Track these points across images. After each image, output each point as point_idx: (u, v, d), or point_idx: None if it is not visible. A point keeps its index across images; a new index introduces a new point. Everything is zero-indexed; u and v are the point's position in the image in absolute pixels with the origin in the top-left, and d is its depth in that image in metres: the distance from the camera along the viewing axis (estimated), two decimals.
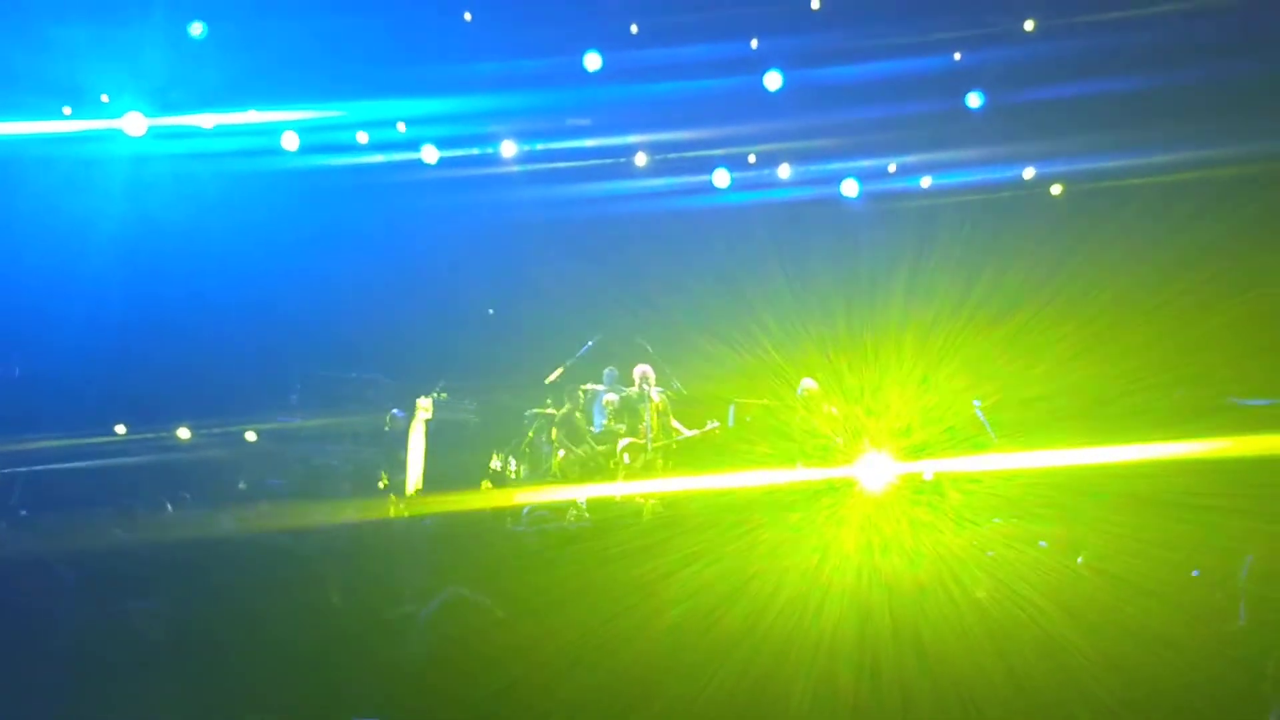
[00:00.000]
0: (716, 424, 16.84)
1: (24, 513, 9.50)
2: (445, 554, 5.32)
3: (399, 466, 17.49)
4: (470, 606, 3.91)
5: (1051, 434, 16.45)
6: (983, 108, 16.81)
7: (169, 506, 10.06)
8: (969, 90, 16.72)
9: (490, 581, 4.93)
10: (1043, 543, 10.27)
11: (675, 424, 16.93)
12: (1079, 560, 8.83)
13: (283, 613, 4.29)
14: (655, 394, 16.92)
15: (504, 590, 4.94)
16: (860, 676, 2.47)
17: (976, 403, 16.29)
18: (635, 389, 17.10)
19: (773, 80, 16.45)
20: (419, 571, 5.15)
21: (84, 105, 16.11)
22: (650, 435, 16.69)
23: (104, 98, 16.16)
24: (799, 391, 15.94)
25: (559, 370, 17.80)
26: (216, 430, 16.79)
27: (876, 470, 14.19)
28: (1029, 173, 17.97)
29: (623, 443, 16.86)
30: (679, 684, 3.19)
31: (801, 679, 2.84)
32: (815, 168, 18.32)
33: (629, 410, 16.90)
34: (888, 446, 15.02)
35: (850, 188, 18.50)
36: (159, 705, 3.54)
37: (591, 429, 17.59)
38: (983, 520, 11.67)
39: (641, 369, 17.00)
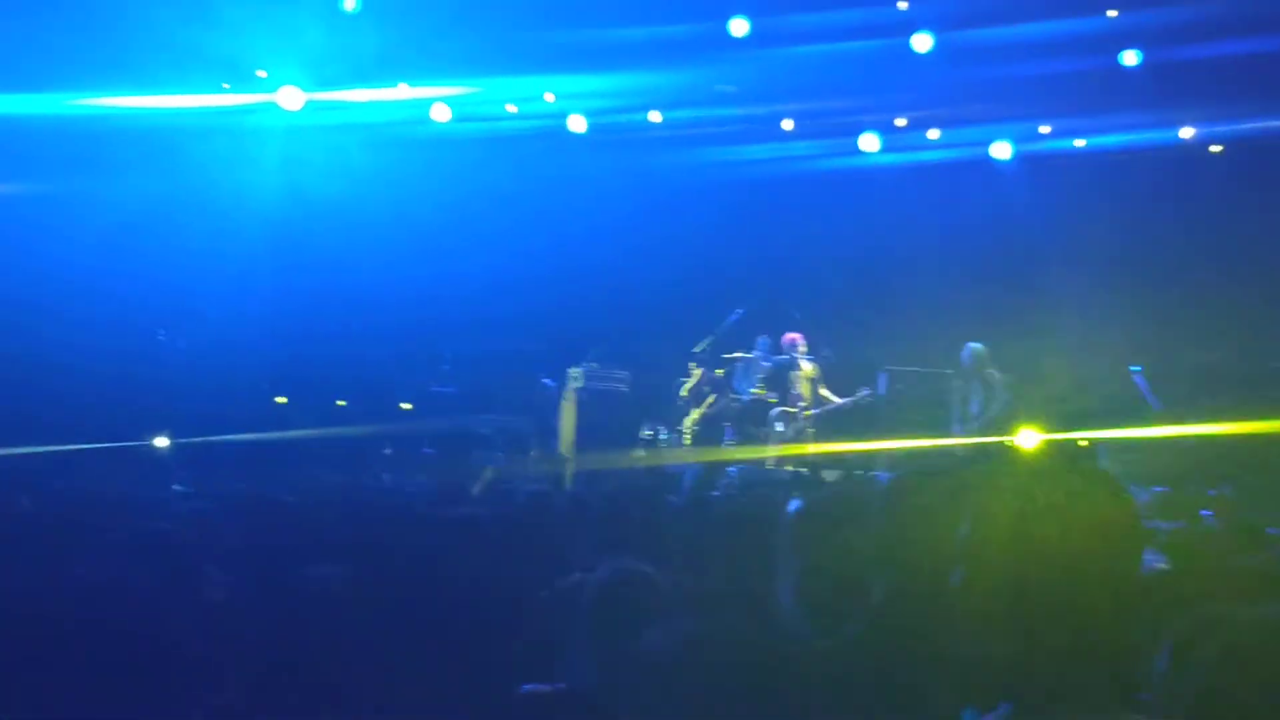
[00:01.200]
0: (868, 391, 16.70)
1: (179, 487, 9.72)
2: (612, 524, 5.31)
3: (550, 435, 17.64)
4: (639, 578, 3.90)
5: (1217, 403, 16.03)
6: (1140, 66, 16.34)
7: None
8: (1125, 49, 16.26)
9: (662, 549, 4.92)
10: (1206, 512, 10.02)
11: (826, 392, 16.79)
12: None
13: (448, 581, 4.32)
14: (806, 361, 16.80)
15: (678, 557, 4.93)
16: (1015, 650, 2.43)
17: (1137, 369, 15.96)
18: (785, 356, 17.00)
19: (922, 42, 16.18)
20: (590, 541, 5.16)
21: (241, 79, 16.43)
22: (802, 403, 16.59)
23: (261, 72, 16.46)
24: (964, 355, 15.63)
25: (708, 340, 17.79)
26: (369, 401, 17.06)
27: (1031, 439, 13.97)
28: (1187, 132, 17.46)
29: (774, 411, 16.78)
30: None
31: (954, 658, 2.79)
32: (966, 130, 17.99)
33: (779, 378, 16.80)
34: (1046, 414, 14.79)
35: (1002, 149, 18.15)
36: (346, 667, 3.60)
37: (739, 397, 17.57)
38: (1143, 488, 11.43)
39: (791, 336, 16.88)
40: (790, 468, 15.79)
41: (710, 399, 17.10)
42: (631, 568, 3.97)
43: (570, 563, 4.90)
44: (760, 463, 16.17)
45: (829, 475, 15.54)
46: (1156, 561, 5.91)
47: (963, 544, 2.76)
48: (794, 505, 3.85)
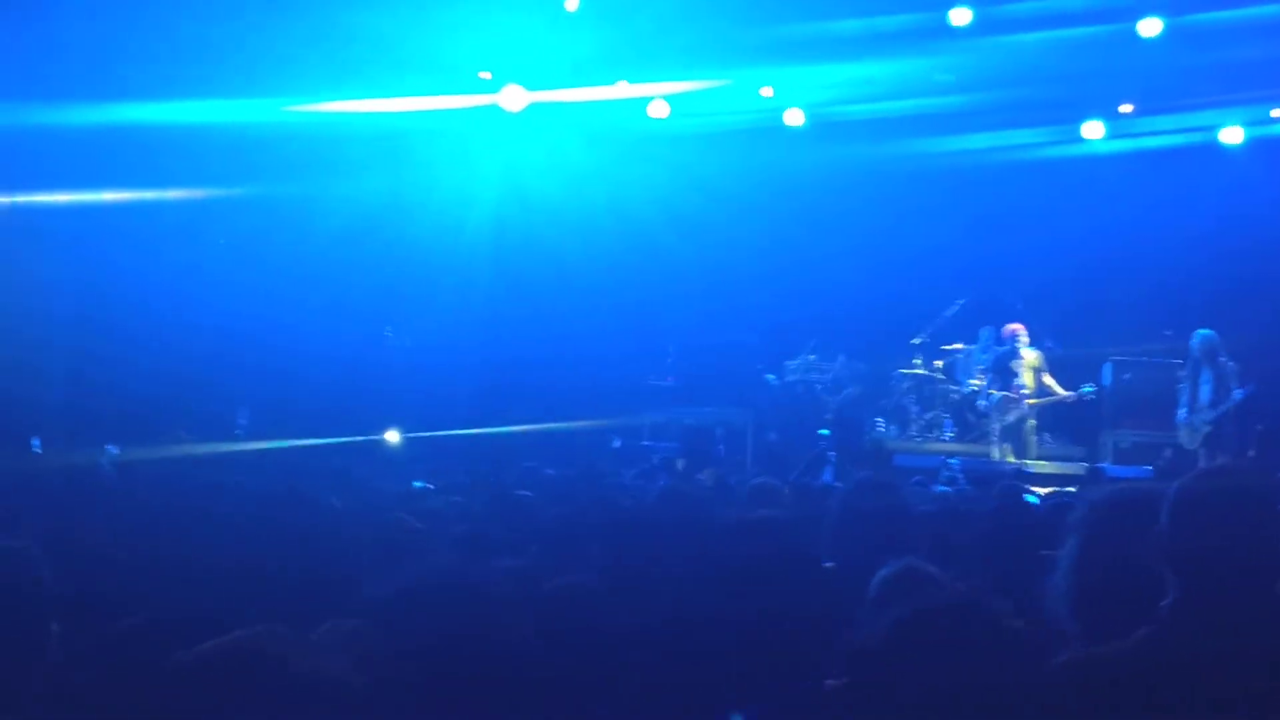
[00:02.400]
0: (1093, 387, 16.35)
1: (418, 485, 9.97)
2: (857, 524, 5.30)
3: (768, 429, 17.71)
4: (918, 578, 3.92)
5: None
6: None
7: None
8: None
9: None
10: None
11: (1050, 381, 16.49)
12: None
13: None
14: (1029, 350, 16.52)
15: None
16: None
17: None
18: (1005, 348, 16.74)
19: (1149, 27, 15.83)
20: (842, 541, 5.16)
21: (465, 81, 16.81)
22: (1025, 392, 16.33)
23: (484, 74, 16.82)
24: (1194, 342, 15.18)
25: (927, 330, 17.70)
26: (591, 396, 17.29)
27: None
28: None
29: (995, 398, 16.53)
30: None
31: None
32: (1193, 116, 17.50)
33: (1001, 369, 16.57)
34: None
35: (1233, 134, 17.62)
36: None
37: (957, 388, 17.43)
38: None
39: (1013, 327, 16.64)
40: (1020, 462, 15.65)
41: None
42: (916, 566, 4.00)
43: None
44: (984, 456, 16.04)
45: (1068, 469, 15.45)
46: None
47: None
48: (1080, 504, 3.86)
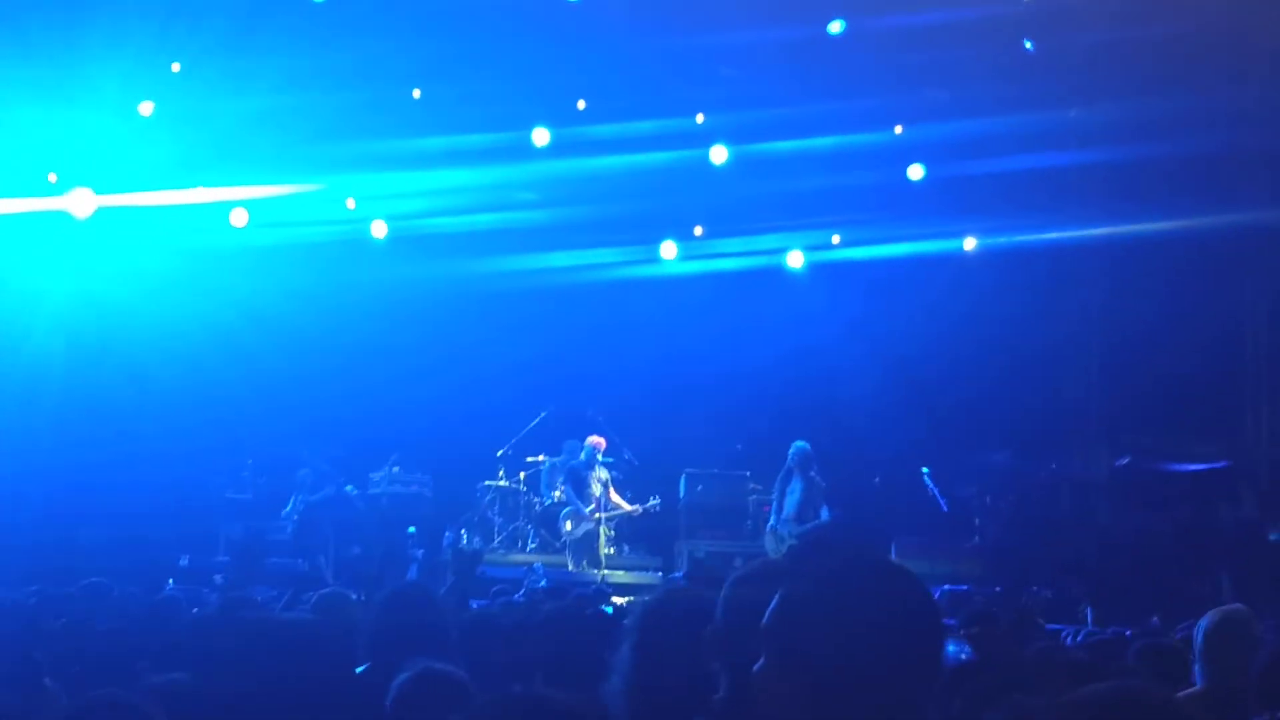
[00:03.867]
0: (657, 501, 16.87)
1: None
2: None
3: (351, 542, 17.41)
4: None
5: (1000, 501, 16.69)
6: (924, 180, 17.13)
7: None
8: (910, 162, 17.02)
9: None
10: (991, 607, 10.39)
11: (616, 497, 16.90)
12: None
13: None
14: (600, 466, 16.90)
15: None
16: None
17: (925, 471, 16.51)
18: (580, 460, 17.05)
19: (718, 154, 16.71)
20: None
21: (32, 184, 16.07)
22: (590, 507, 16.66)
23: (52, 177, 16.13)
24: (791, 451, 15.65)
25: (510, 443, 17.88)
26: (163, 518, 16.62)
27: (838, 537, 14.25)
28: (970, 243, 18.19)
29: (564, 511, 16.83)
30: None
31: None
32: (761, 240, 18.45)
33: (576, 482, 16.87)
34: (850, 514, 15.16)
35: (795, 259, 18.65)
36: None
37: (539, 500, 17.63)
38: (936, 586, 11.77)
39: (594, 440, 16.97)
40: (595, 572, 15.93)
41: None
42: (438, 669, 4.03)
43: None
44: (563, 566, 16.24)
45: (644, 579, 15.80)
46: (961, 653, 6.15)
47: (764, 634, 2.87)
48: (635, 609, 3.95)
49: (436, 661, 4.26)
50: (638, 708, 3.73)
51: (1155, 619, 10.98)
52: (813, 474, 15.40)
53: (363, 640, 5.26)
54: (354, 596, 7.71)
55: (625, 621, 3.92)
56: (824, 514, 15.23)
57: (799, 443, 15.60)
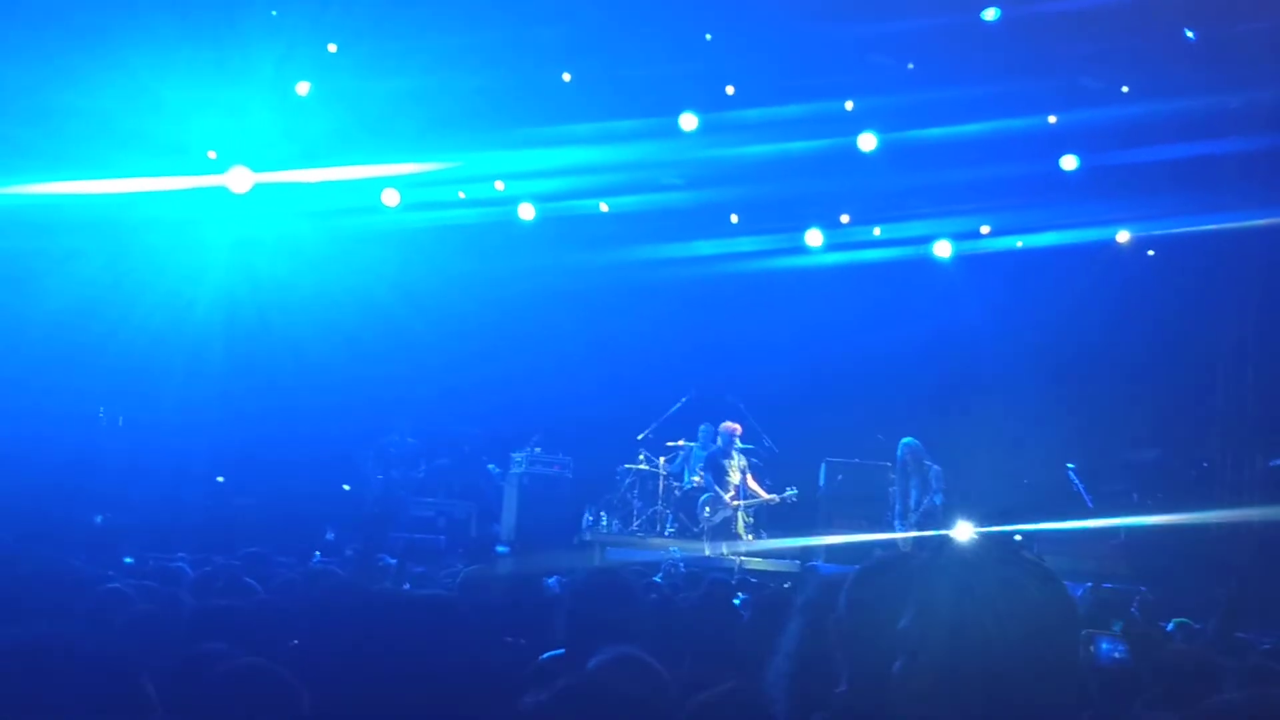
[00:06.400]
0: (794, 491, 16.84)
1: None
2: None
3: (492, 519, 17.65)
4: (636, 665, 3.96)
5: (1149, 498, 16.36)
6: (1078, 170, 16.78)
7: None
8: (1063, 152, 16.70)
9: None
10: (1134, 609, 10.22)
11: (754, 485, 16.91)
12: (1169, 626, 8.78)
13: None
14: (737, 452, 16.93)
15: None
16: None
17: (1070, 466, 16.22)
18: (719, 446, 17.08)
19: (867, 141, 16.56)
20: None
21: (191, 161, 16.47)
22: (730, 494, 16.72)
23: (211, 154, 16.53)
24: (899, 450, 15.82)
25: (651, 427, 17.94)
26: (315, 479, 17.01)
27: (967, 531, 14.14)
28: (1124, 235, 17.87)
29: (703, 498, 16.88)
30: None
31: None
32: (908, 227, 18.30)
33: (714, 467, 16.91)
34: (980, 508, 14.98)
35: (943, 248, 18.49)
36: None
37: (679, 485, 17.67)
38: (1075, 583, 11.60)
39: (728, 426, 17.00)
40: (734, 557, 15.96)
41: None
42: (629, 654, 4.03)
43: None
44: (700, 551, 16.28)
45: (781, 566, 15.82)
46: (1115, 651, 6.02)
47: (902, 636, 2.86)
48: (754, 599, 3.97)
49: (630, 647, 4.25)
50: (804, 689, 3.70)
51: None
52: (926, 462, 15.46)
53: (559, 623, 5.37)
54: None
55: (798, 599, 3.88)
56: (938, 501, 15.27)
57: (906, 439, 15.68)
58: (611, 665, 4.04)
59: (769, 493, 16.90)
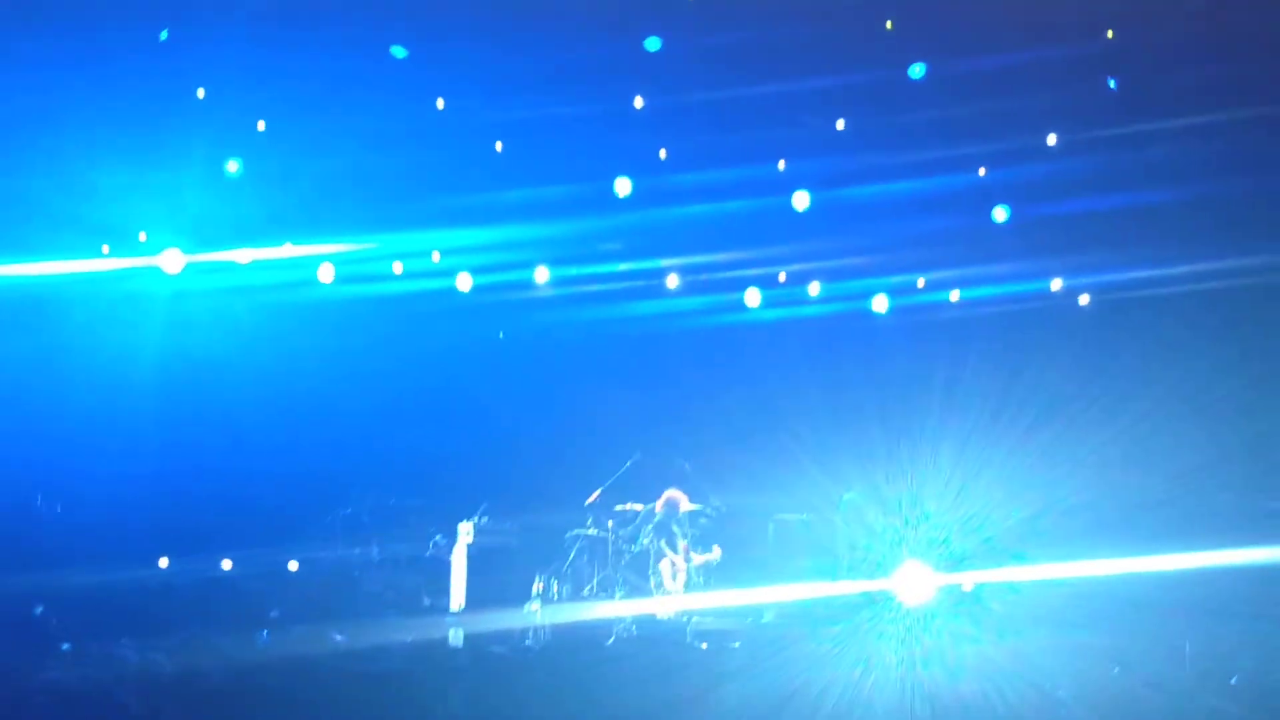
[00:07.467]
0: (718, 555, 16.92)
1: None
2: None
3: (441, 590, 17.47)
4: None
5: (1093, 543, 16.44)
6: (1009, 221, 16.97)
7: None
8: (995, 205, 16.89)
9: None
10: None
11: (694, 552, 16.93)
12: (1115, 670, 8.82)
13: None
14: (682, 517, 16.95)
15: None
16: None
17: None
18: (665, 510, 17.06)
19: (800, 200, 16.68)
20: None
21: (122, 243, 16.38)
22: (680, 555, 16.70)
23: (142, 235, 16.44)
24: (840, 504, 15.90)
25: (598, 491, 17.84)
26: (258, 558, 16.82)
27: (916, 582, 14.16)
28: (1057, 284, 18.04)
29: (653, 562, 16.85)
30: None
31: None
32: (845, 284, 18.41)
33: (663, 530, 16.90)
34: (927, 558, 14.98)
35: (881, 303, 18.61)
36: None
37: (629, 547, 17.58)
38: (1024, 631, 11.64)
39: (671, 494, 17.06)
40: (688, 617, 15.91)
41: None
42: None
43: None
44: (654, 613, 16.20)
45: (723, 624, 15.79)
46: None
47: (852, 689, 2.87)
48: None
49: None
50: None
51: None
52: (867, 517, 15.61)
53: None
54: None
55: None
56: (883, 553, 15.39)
57: (847, 494, 16.04)
58: None
59: (704, 554, 16.91)
